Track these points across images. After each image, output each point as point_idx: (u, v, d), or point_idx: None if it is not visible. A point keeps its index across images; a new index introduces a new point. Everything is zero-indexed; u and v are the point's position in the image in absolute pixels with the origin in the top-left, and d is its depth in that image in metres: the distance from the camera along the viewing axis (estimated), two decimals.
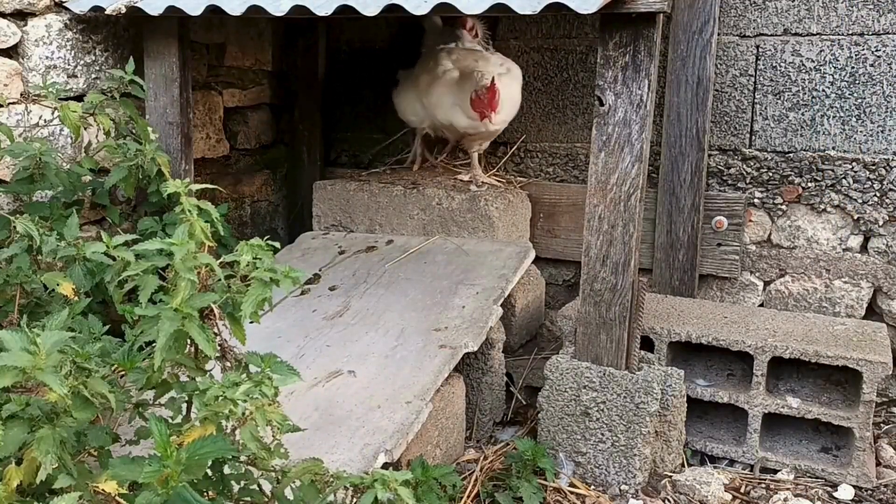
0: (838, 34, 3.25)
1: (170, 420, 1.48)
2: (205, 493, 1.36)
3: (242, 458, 1.44)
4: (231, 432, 1.41)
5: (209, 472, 1.37)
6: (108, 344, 2.02)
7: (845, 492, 2.72)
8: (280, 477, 1.40)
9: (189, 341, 1.43)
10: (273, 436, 1.46)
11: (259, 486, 1.52)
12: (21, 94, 2.84)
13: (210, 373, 1.51)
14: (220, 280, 1.47)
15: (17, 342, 1.36)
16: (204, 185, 1.73)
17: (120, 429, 2.08)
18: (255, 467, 1.43)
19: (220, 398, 1.33)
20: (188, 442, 1.31)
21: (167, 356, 1.41)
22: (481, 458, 2.81)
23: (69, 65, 2.97)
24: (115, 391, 1.52)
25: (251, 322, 1.49)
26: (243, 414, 1.33)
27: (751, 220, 3.48)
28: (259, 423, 1.34)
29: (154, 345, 1.50)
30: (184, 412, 1.47)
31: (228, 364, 1.51)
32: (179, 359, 1.42)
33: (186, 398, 1.46)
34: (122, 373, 1.68)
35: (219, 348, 1.47)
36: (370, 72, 4.23)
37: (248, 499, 1.40)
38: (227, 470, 1.41)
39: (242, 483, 1.46)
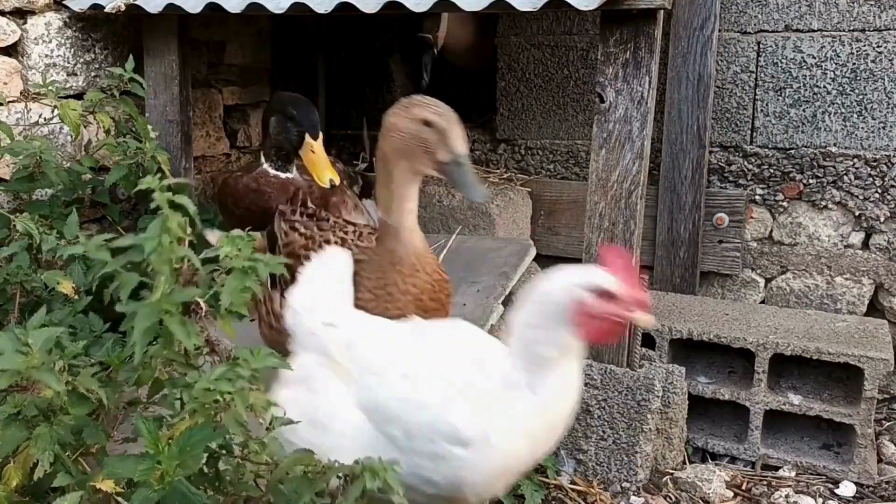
0: (839, 30, 3.23)
1: (168, 417, 1.48)
2: (202, 488, 1.36)
3: (236, 451, 1.43)
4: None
5: (205, 468, 1.37)
6: (108, 342, 2.02)
7: (847, 489, 2.71)
8: (272, 469, 1.40)
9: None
10: (266, 428, 1.46)
11: (255, 481, 1.52)
12: (21, 93, 2.84)
13: (202, 368, 1.50)
14: (203, 275, 1.45)
15: (10, 344, 1.35)
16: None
17: (121, 427, 2.09)
18: (249, 461, 1.42)
19: (208, 390, 1.33)
20: (177, 435, 1.31)
21: (154, 352, 1.40)
22: None
23: (69, 63, 2.97)
24: (112, 385, 1.51)
25: (241, 319, 1.48)
26: (223, 399, 1.33)
27: (752, 217, 3.47)
28: (239, 407, 1.33)
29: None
30: (178, 408, 1.47)
31: (218, 358, 1.50)
32: (168, 354, 1.42)
33: (178, 394, 1.46)
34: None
35: (205, 343, 1.46)
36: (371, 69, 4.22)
37: (243, 493, 1.40)
38: (221, 466, 1.41)
39: (237, 477, 1.46)
